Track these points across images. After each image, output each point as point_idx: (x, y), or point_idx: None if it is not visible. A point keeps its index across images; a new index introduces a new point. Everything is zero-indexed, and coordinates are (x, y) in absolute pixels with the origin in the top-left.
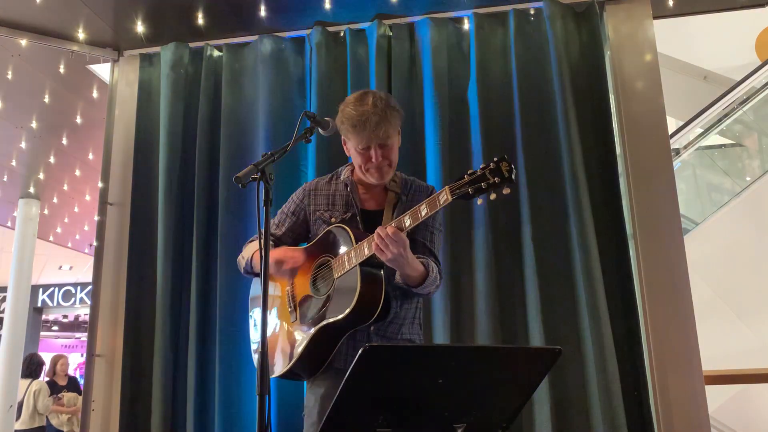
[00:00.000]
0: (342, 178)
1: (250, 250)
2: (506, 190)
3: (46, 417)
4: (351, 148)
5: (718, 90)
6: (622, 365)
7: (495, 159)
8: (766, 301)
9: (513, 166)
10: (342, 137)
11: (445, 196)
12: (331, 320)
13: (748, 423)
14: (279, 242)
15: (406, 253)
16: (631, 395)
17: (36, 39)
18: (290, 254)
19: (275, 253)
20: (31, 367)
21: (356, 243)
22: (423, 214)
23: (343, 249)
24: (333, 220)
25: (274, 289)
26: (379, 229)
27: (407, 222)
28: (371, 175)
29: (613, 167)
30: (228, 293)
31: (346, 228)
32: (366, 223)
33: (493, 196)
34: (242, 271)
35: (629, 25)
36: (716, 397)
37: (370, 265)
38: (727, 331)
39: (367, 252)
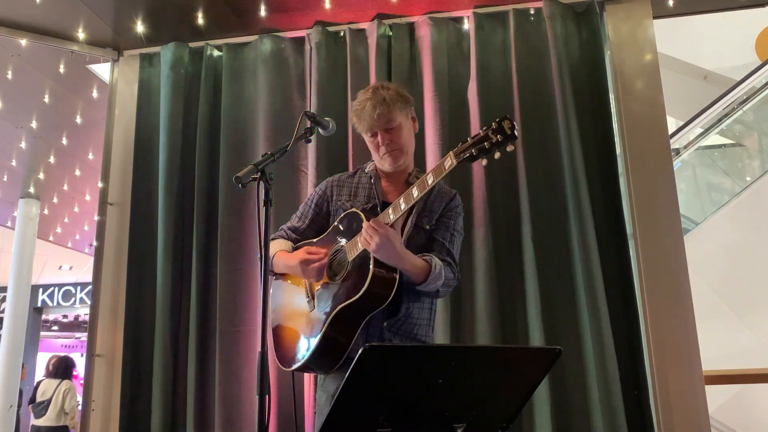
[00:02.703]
0: (367, 170)
1: (271, 250)
2: (510, 148)
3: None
4: (365, 139)
5: (718, 90)
6: (622, 365)
7: (497, 119)
8: (766, 301)
9: (515, 124)
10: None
11: (450, 161)
12: (346, 303)
13: (748, 423)
14: (302, 236)
15: (391, 245)
16: (631, 395)
17: (36, 39)
18: (313, 251)
19: (299, 255)
20: (66, 369)
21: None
22: (430, 182)
23: (356, 232)
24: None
25: (292, 282)
26: (366, 224)
27: (391, 217)
28: (386, 161)
29: (613, 167)
30: (228, 293)
31: (358, 211)
32: None
33: (497, 155)
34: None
35: (629, 25)
36: (716, 397)
37: None
38: (727, 331)
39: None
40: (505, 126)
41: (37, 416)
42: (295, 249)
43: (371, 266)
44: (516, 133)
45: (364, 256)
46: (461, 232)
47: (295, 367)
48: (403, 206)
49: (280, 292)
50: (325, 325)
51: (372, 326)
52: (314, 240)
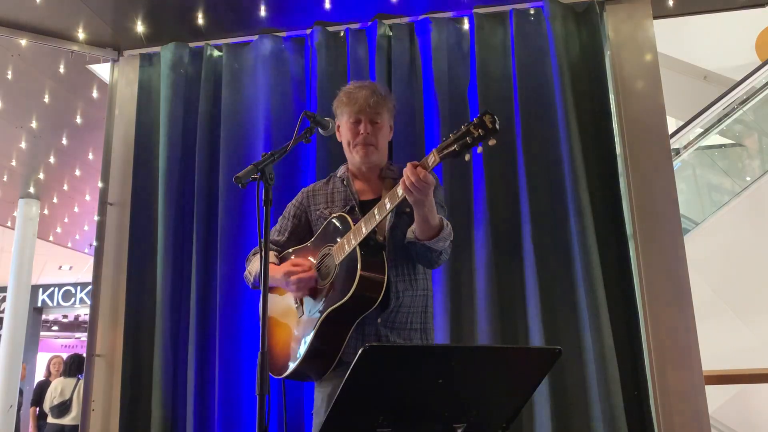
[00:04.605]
0: (339, 175)
1: (256, 265)
2: (492, 142)
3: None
4: (343, 126)
5: (718, 90)
6: (622, 365)
7: (479, 114)
8: (766, 301)
9: (496, 118)
10: (336, 123)
11: (433, 158)
12: (336, 305)
13: (748, 423)
14: (283, 249)
15: (431, 196)
16: (631, 395)
17: (36, 39)
18: (298, 263)
19: (283, 267)
20: (80, 367)
21: (354, 225)
22: (431, 163)
23: (342, 235)
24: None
25: (279, 290)
26: (409, 168)
27: (377, 217)
28: (357, 152)
29: (613, 167)
30: (228, 293)
31: (344, 215)
32: (365, 213)
33: (479, 150)
34: (251, 286)
35: (629, 25)
36: (716, 397)
37: (370, 246)
38: (727, 331)
39: (364, 231)
40: (486, 120)
41: (59, 416)
42: (281, 258)
43: (359, 269)
44: (497, 126)
45: (351, 258)
46: (443, 205)
47: (286, 374)
48: (388, 206)
49: (268, 302)
50: (315, 329)
51: (367, 325)
52: (300, 246)
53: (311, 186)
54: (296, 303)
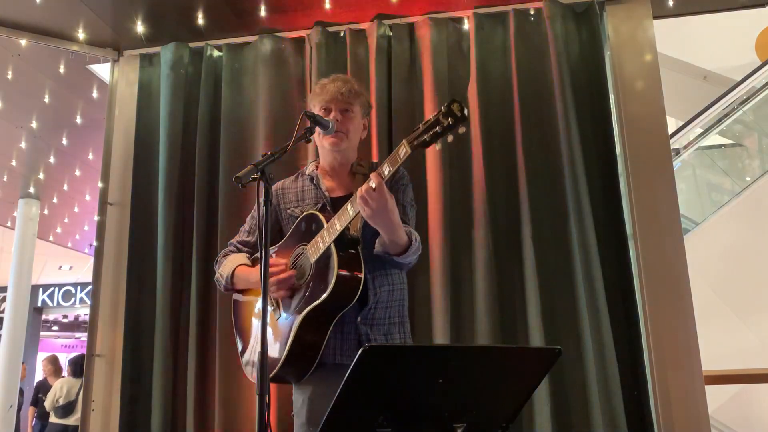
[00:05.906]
0: (307, 173)
1: (228, 267)
2: (461, 130)
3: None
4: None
5: (718, 90)
6: (622, 365)
7: (446, 103)
8: (766, 301)
9: (464, 105)
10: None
11: (404, 149)
12: (316, 303)
13: (748, 423)
14: (254, 249)
15: (387, 211)
16: (631, 395)
17: (36, 39)
18: (273, 263)
19: (257, 272)
20: (83, 368)
21: (327, 223)
22: (386, 172)
23: (315, 233)
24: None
25: (252, 294)
26: (364, 186)
27: (350, 212)
28: (326, 141)
29: (613, 167)
30: (228, 293)
31: (316, 212)
32: (337, 210)
33: (450, 138)
34: (222, 289)
35: (629, 25)
36: (716, 397)
37: (345, 242)
38: (727, 331)
39: (338, 227)
40: (455, 108)
41: (63, 416)
42: (253, 260)
43: (335, 266)
44: (466, 113)
45: (327, 255)
46: (413, 204)
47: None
48: (387, 170)
49: (241, 309)
50: (295, 329)
51: (346, 324)
52: (272, 247)
53: (279, 183)
54: (272, 306)
